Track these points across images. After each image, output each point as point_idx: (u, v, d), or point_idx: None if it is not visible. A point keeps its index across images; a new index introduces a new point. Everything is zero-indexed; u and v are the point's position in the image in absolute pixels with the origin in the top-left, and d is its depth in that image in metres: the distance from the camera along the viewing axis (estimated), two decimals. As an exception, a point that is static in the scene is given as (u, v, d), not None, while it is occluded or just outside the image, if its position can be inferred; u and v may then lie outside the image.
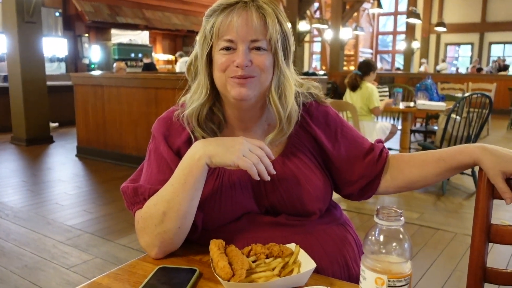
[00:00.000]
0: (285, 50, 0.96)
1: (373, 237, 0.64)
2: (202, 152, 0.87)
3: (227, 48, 0.92)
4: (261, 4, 0.93)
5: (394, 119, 6.36)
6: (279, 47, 0.94)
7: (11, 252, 2.75)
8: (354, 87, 4.65)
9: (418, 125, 7.29)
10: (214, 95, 0.98)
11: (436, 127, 5.15)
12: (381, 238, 0.64)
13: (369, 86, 4.59)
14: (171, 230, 0.89)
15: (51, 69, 9.37)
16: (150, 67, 9.56)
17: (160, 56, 12.83)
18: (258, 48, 0.92)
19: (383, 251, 0.64)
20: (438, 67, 16.30)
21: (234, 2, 0.92)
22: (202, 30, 0.96)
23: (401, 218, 0.64)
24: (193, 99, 0.98)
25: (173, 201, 0.88)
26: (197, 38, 0.99)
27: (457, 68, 16.58)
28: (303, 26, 9.66)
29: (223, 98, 0.99)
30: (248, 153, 0.85)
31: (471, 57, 17.97)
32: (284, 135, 0.99)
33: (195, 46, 1.00)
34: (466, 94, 3.91)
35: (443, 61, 17.05)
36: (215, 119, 1.00)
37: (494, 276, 0.96)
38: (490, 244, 0.97)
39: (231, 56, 0.92)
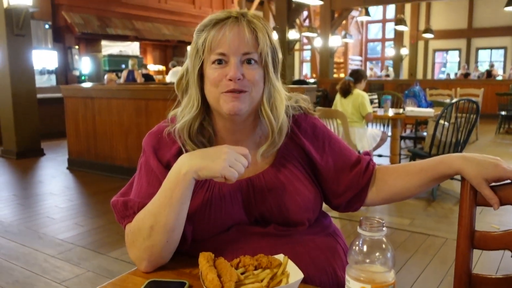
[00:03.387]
0: (274, 63, 0.99)
1: (357, 248, 0.66)
2: (188, 167, 0.88)
3: (219, 62, 0.93)
4: (251, 19, 0.95)
5: (384, 126, 6.41)
6: (269, 60, 0.96)
7: (1, 267, 2.72)
8: (346, 92, 4.69)
9: (408, 131, 7.35)
10: (205, 108, 1.00)
11: (425, 133, 5.21)
12: (365, 248, 0.66)
13: (360, 93, 4.64)
14: (159, 244, 0.90)
15: (41, 81, 9.32)
16: (145, 78, 9.45)
17: (150, 67, 12.83)
18: (249, 61, 0.94)
19: (367, 261, 0.65)
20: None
21: (225, 17, 0.94)
22: (194, 45, 0.98)
23: (384, 229, 0.66)
24: (184, 113, 0.99)
25: (159, 215, 0.89)
26: (188, 52, 1.00)
27: (448, 74, 16.76)
28: (292, 34, 9.73)
29: (215, 112, 1.00)
30: (234, 162, 0.86)
31: (459, 63, 18.20)
32: (276, 146, 1.00)
33: (186, 61, 1.01)
34: (454, 100, 3.96)
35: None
36: (205, 133, 1.01)
37: (479, 282, 0.98)
38: (479, 251, 0.99)
39: (223, 71, 0.93)
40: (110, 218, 3.62)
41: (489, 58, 17.92)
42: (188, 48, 1.01)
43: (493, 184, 0.94)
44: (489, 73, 13.12)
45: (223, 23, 0.94)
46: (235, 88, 0.92)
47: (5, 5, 6.01)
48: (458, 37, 17.95)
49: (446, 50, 19.38)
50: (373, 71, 17.15)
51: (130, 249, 0.94)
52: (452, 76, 15.67)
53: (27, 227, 3.46)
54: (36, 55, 7.33)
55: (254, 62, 0.95)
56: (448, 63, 19.61)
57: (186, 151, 0.98)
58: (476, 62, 17.71)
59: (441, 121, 3.85)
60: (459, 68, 17.07)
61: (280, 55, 1.00)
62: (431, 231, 3.26)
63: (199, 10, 12.69)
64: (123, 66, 11.24)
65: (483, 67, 16.65)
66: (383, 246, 0.66)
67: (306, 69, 21.28)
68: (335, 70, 17.31)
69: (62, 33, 10.16)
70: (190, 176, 0.88)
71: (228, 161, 0.86)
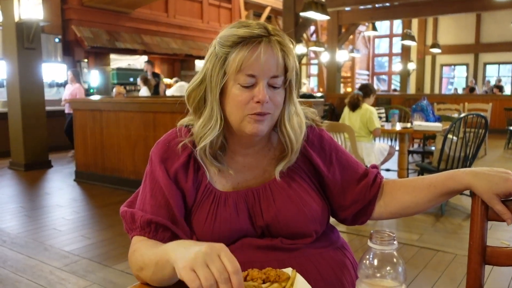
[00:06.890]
0: (296, 82, 0.99)
1: (367, 261, 0.65)
2: (168, 253, 0.79)
3: (247, 84, 0.91)
4: (281, 40, 0.93)
5: (391, 140, 6.39)
6: (294, 82, 0.96)
7: (8, 279, 2.72)
8: (355, 106, 4.67)
9: (416, 145, 7.32)
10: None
11: (433, 148, 5.17)
12: (375, 262, 0.65)
13: (369, 108, 4.63)
14: (149, 281, 0.88)
15: (50, 94, 9.40)
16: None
17: (158, 80, 12.96)
18: (275, 85, 0.93)
19: (378, 275, 0.64)
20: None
21: (257, 35, 0.91)
22: (215, 59, 0.93)
23: (395, 242, 0.65)
24: (205, 130, 0.96)
25: (147, 267, 0.86)
26: (207, 64, 0.96)
27: (456, 89, 16.70)
28: (300, 49, 9.77)
29: (233, 130, 0.98)
30: (216, 261, 0.70)
31: (467, 78, 18.18)
32: (291, 163, 1.00)
33: (202, 71, 0.97)
34: (462, 115, 3.94)
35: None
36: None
37: (492, 298, 0.96)
38: (490, 266, 0.97)
39: (250, 93, 0.92)
40: (117, 230, 3.61)
41: (497, 73, 17.89)
42: (196, 61, 1.00)
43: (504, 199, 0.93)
44: (499, 88, 13.05)
45: (256, 42, 0.90)
46: (262, 111, 0.92)
47: (16, 19, 6.11)
48: (466, 52, 17.96)
49: (454, 65, 19.38)
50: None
51: (130, 261, 0.94)
52: (460, 91, 15.59)
53: (33, 239, 3.46)
54: (45, 68, 7.42)
55: (279, 85, 0.94)
56: (456, 78, 19.59)
57: (195, 159, 0.98)
58: (484, 77, 17.67)
59: (450, 136, 3.82)
60: (466, 83, 17.04)
61: (298, 71, 1.00)
62: (440, 247, 3.21)
63: (207, 25, 12.80)
64: (131, 79, 11.34)
65: (492, 82, 16.61)
66: (394, 260, 0.65)
67: (313, 83, 21.34)
68: (342, 85, 17.33)
69: (71, 46, 10.27)
70: (169, 265, 0.77)
71: (203, 258, 0.70)
